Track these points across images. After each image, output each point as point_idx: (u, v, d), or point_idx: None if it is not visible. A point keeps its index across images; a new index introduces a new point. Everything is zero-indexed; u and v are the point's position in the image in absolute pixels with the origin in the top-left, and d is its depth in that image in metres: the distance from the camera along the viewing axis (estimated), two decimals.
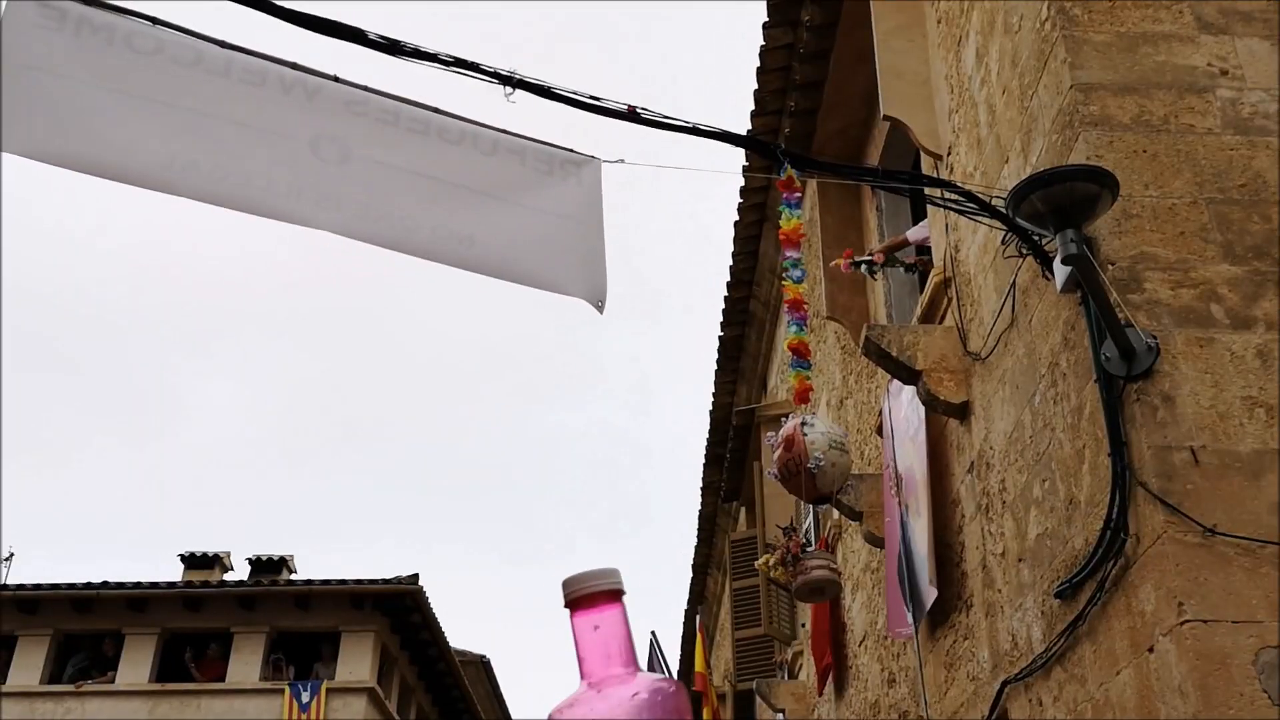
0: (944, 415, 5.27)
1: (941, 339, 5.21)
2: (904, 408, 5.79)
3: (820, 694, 8.14)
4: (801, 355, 4.27)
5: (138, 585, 17.69)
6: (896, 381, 5.59)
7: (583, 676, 0.83)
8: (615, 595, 0.84)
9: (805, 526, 8.04)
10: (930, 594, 5.00)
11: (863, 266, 6.11)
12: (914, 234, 6.30)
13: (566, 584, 0.85)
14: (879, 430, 6.43)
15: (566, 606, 0.85)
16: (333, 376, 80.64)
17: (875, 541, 6.23)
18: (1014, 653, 4.43)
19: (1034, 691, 4.24)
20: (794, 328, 4.24)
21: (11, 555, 19.90)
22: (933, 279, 5.54)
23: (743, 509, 13.52)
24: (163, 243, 76.19)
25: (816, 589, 4.48)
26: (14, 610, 17.77)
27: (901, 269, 6.29)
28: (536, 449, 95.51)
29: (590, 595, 0.84)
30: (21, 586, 17.82)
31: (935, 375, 5.10)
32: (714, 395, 13.12)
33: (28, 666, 17.56)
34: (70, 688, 17.30)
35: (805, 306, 4.38)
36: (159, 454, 78.23)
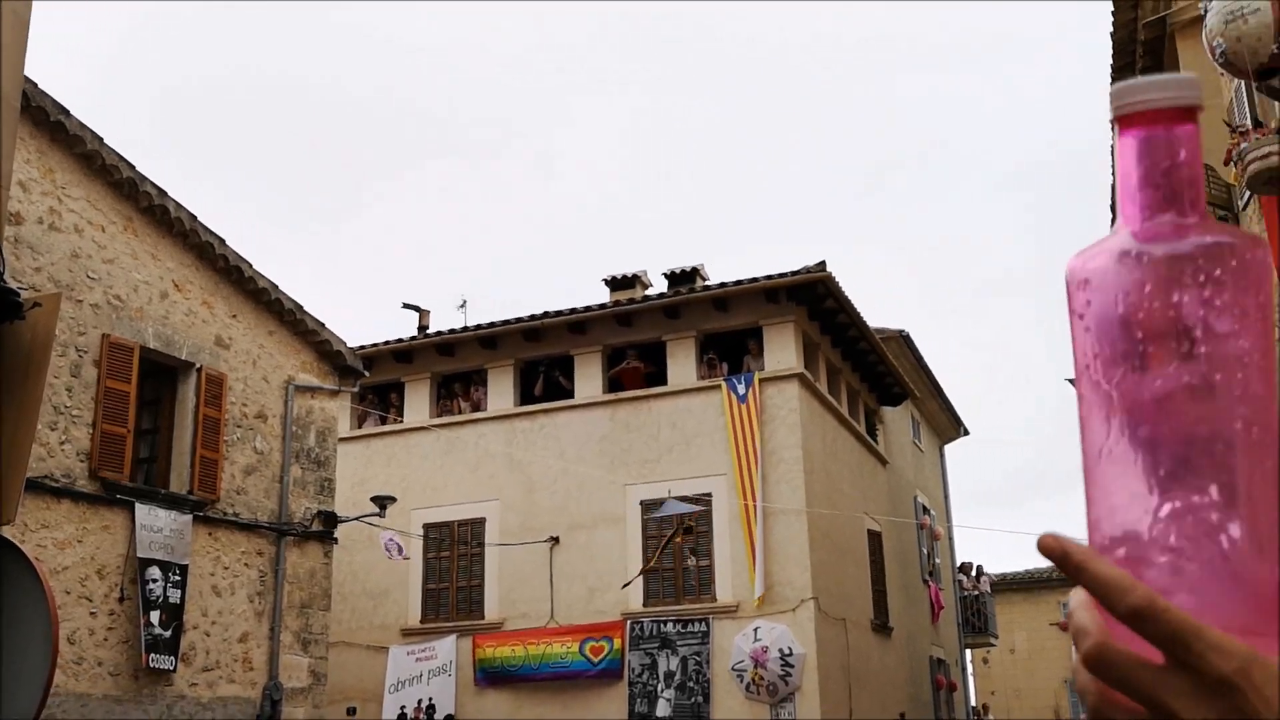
0: None
1: None
2: None
3: None
4: None
5: (574, 311, 19.34)
6: None
7: (1122, 217, 0.63)
8: (1186, 114, 0.60)
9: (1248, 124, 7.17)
10: None
11: None
12: None
13: (1118, 93, 0.62)
14: None
15: (1113, 123, 0.63)
16: (700, 96, 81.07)
17: None
18: None
19: None
20: None
21: (465, 302, 22.37)
22: None
23: None
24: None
25: (1275, 179, 3.97)
26: (478, 346, 20.14)
27: None
28: (909, 119, 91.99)
29: (1147, 113, 0.61)
30: (479, 326, 20.08)
31: None
32: (1114, 13, 11.82)
33: (501, 394, 20.01)
34: (541, 407, 19.56)
35: None
36: (562, 193, 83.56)
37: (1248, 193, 5.10)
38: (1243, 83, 4.27)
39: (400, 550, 16.85)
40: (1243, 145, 3.87)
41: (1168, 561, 0.59)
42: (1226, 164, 4.00)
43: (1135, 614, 0.57)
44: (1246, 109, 7.13)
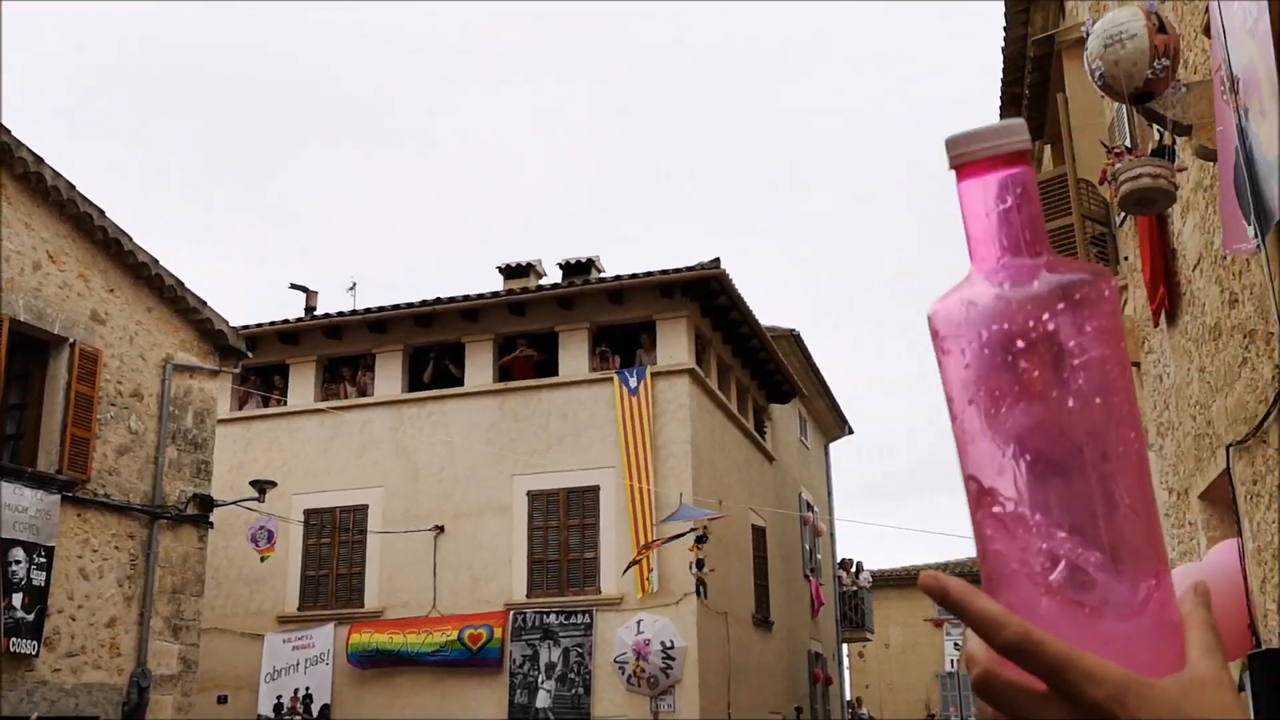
0: None
1: None
2: None
3: (1156, 325, 7.81)
4: None
5: (467, 298, 19.14)
6: None
7: (972, 261, 0.64)
8: (1017, 157, 0.63)
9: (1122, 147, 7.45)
10: None
11: None
12: None
13: (952, 144, 0.64)
14: (1206, 30, 5.73)
15: (952, 169, 0.65)
16: (604, 88, 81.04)
17: (1208, 155, 5.68)
18: None
19: None
20: None
21: (354, 285, 21.97)
22: None
23: (1047, 147, 12.75)
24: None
25: (1145, 200, 4.12)
26: (366, 330, 19.80)
27: None
28: (800, 127, 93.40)
29: (981, 161, 0.63)
30: (369, 310, 19.73)
31: None
32: (1006, 29, 12.19)
33: (388, 379, 19.71)
34: (430, 393, 19.31)
35: None
36: (462, 177, 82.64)
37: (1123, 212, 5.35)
38: (1123, 105, 4.49)
39: (269, 539, 16.34)
40: (1116, 166, 4.02)
41: (1050, 587, 0.61)
42: (1102, 184, 4.15)
43: (1011, 648, 0.59)
44: (1126, 131, 7.41)
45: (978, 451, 0.63)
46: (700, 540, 16.61)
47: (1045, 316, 0.61)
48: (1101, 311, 0.62)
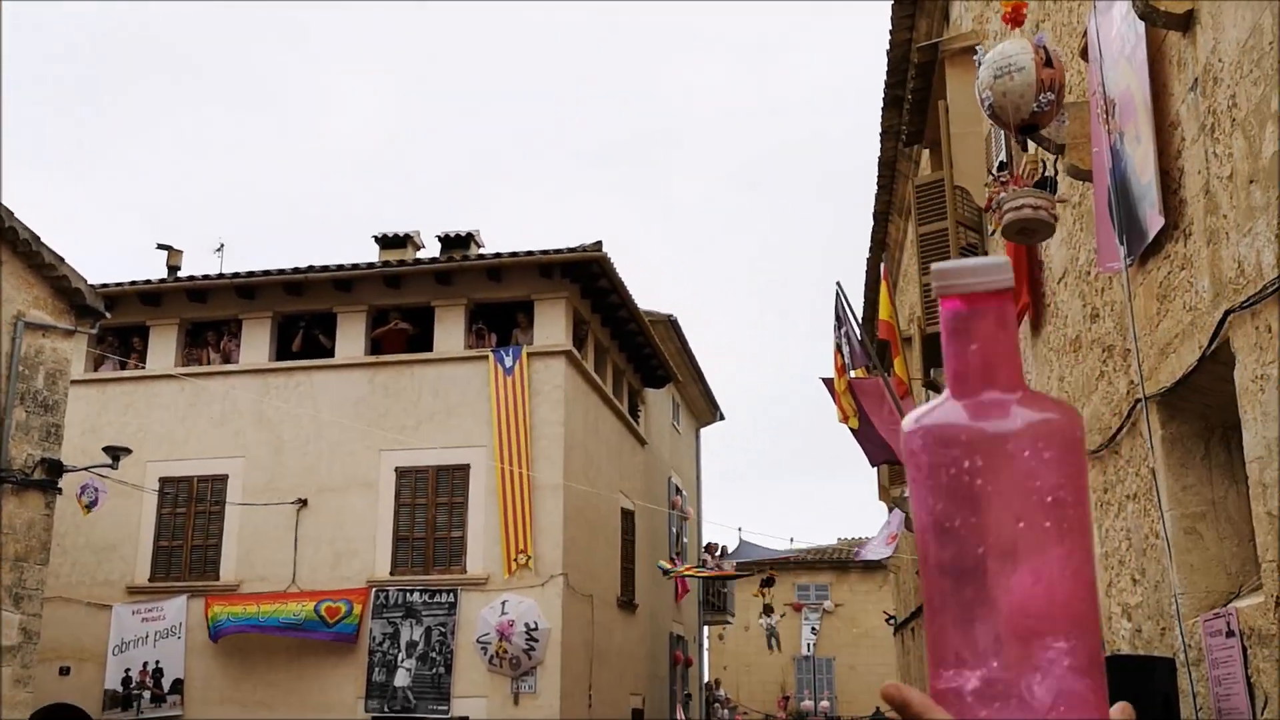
0: (1163, 29, 4.76)
1: None
2: (1116, 25, 5.26)
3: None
4: None
5: (340, 267, 18.68)
6: None
7: (950, 385, 0.67)
8: (1000, 294, 0.66)
9: (996, 165, 7.65)
10: (1156, 222, 4.72)
11: None
12: None
13: (940, 274, 0.66)
14: (1084, 54, 5.91)
15: (937, 298, 0.67)
16: (479, 53, 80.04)
17: (1081, 175, 5.87)
18: (1239, 280, 4.18)
19: (1262, 319, 4.02)
20: None
21: (222, 246, 21.22)
22: None
23: (925, 152, 13.05)
24: None
25: (1026, 230, 4.25)
26: (234, 295, 19.16)
27: None
28: (681, 110, 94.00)
29: (967, 295, 0.65)
30: (237, 274, 19.09)
31: None
32: (891, 33, 12.42)
33: (255, 346, 19.12)
34: (298, 364, 18.81)
35: None
36: (333, 142, 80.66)
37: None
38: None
39: (95, 501, 15.64)
40: (1001, 195, 4.13)
41: (1002, 705, 0.64)
42: (986, 210, 4.28)
43: None
44: (1003, 145, 7.62)
45: (938, 568, 0.66)
46: (767, 584, 15.42)
47: (1015, 450, 0.64)
48: (1069, 448, 0.65)
